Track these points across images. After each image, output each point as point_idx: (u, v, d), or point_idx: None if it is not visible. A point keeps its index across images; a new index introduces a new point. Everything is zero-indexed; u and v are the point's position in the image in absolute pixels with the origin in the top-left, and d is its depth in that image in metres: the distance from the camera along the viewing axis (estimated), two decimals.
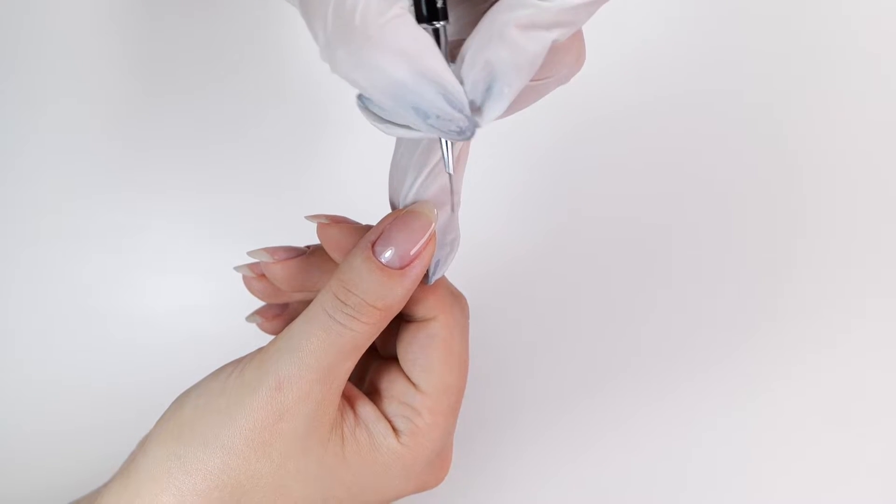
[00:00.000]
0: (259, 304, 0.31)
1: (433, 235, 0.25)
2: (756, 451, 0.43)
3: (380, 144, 0.47)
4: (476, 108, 0.21)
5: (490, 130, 0.49)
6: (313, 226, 0.28)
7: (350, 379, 0.27)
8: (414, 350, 0.27)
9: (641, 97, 0.48)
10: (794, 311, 0.46)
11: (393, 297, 0.25)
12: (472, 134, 0.21)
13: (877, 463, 0.43)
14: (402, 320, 0.28)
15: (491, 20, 0.20)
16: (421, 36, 0.19)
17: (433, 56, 0.19)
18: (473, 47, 0.20)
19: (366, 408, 0.27)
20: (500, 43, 0.20)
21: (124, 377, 0.44)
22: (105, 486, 0.27)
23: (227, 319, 0.43)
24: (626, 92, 0.48)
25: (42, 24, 0.47)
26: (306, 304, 0.31)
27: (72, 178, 0.46)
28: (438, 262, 0.27)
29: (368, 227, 0.28)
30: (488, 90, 0.20)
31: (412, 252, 0.25)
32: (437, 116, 0.20)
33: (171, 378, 0.42)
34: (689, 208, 0.47)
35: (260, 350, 0.26)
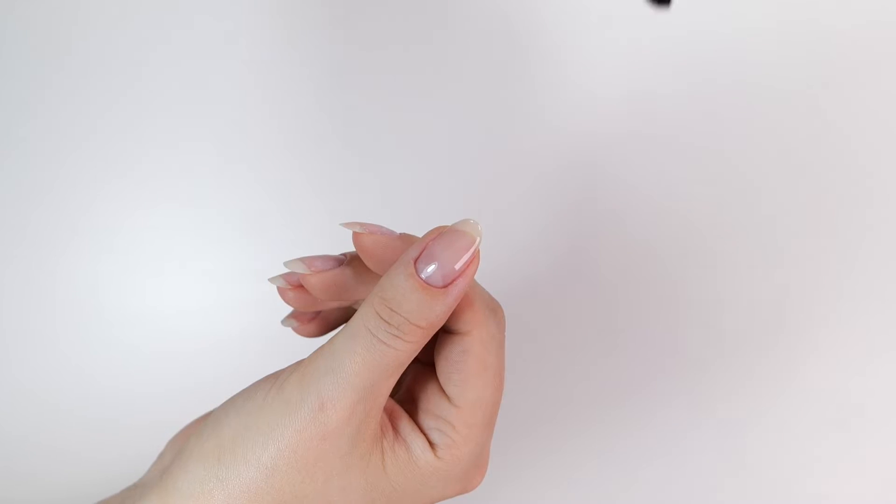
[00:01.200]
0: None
1: (477, 253, 0.25)
2: (763, 455, 0.44)
3: (381, 155, 0.46)
4: None
5: (506, 140, 0.47)
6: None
7: None
8: (449, 364, 0.27)
9: (658, 104, 0.47)
10: (805, 317, 0.46)
11: (436, 315, 0.25)
12: None
13: (882, 466, 0.43)
14: (441, 330, 0.28)
15: None
16: None
17: None
18: None
19: (404, 422, 0.27)
20: None
21: (125, 379, 0.44)
22: (139, 493, 0.27)
23: (230, 321, 0.43)
24: (643, 97, 0.47)
25: (40, 23, 0.45)
26: (341, 309, 0.31)
27: (72, 177, 0.45)
28: None
29: (404, 237, 0.27)
30: None
31: (456, 269, 0.24)
32: None
33: (171, 380, 0.43)
34: (702, 214, 0.47)
35: (299, 365, 0.26)
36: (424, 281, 0.24)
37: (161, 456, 0.30)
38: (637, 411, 0.44)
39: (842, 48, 0.47)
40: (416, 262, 0.25)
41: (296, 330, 0.31)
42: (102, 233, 0.44)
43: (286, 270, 0.29)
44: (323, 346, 0.26)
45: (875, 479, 0.43)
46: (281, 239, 0.44)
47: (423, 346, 0.25)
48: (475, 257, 0.25)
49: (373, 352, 0.24)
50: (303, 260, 0.28)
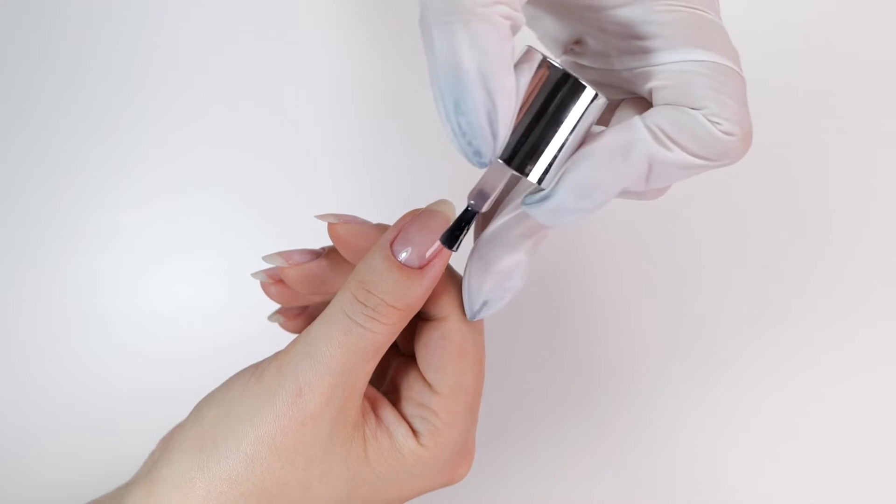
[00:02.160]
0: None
1: None
2: (766, 454, 0.43)
3: (376, 147, 0.46)
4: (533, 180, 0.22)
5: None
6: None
7: (372, 376, 0.27)
8: (428, 350, 0.27)
9: None
10: (806, 315, 0.45)
11: (413, 296, 0.25)
12: (483, 165, 0.20)
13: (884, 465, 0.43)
14: (419, 318, 0.28)
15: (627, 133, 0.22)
16: (506, 49, 0.19)
17: (507, 73, 0.19)
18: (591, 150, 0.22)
19: (386, 409, 0.27)
20: (612, 169, 0.22)
21: (124, 381, 0.44)
22: (128, 489, 0.27)
23: (227, 321, 0.43)
24: None
25: (40, 23, 0.46)
26: (327, 304, 0.31)
27: (72, 177, 0.46)
28: (487, 302, 0.26)
29: (379, 226, 0.27)
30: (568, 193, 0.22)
31: (431, 250, 0.25)
32: (467, 125, 0.19)
33: (171, 379, 0.42)
34: (692, 212, 0.47)
35: (278, 354, 0.26)
36: (401, 262, 0.25)
37: (151, 454, 0.30)
38: (623, 409, 0.44)
39: (842, 48, 0.48)
40: (392, 244, 0.25)
41: (282, 325, 0.31)
42: (102, 233, 0.45)
43: (268, 265, 0.29)
44: (302, 332, 0.26)
45: (864, 482, 0.43)
46: (284, 240, 0.44)
47: (400, 329, 0.25)
48: None
49: (350, 335, 0.25)
50: (280, 254, 0.28)
